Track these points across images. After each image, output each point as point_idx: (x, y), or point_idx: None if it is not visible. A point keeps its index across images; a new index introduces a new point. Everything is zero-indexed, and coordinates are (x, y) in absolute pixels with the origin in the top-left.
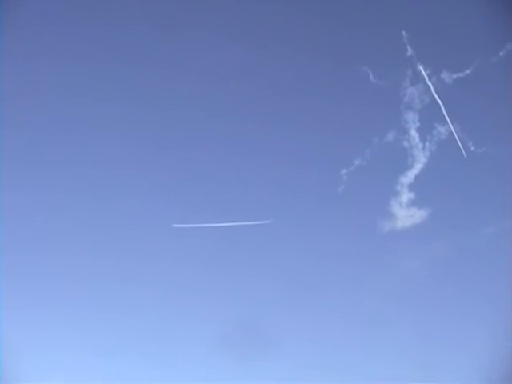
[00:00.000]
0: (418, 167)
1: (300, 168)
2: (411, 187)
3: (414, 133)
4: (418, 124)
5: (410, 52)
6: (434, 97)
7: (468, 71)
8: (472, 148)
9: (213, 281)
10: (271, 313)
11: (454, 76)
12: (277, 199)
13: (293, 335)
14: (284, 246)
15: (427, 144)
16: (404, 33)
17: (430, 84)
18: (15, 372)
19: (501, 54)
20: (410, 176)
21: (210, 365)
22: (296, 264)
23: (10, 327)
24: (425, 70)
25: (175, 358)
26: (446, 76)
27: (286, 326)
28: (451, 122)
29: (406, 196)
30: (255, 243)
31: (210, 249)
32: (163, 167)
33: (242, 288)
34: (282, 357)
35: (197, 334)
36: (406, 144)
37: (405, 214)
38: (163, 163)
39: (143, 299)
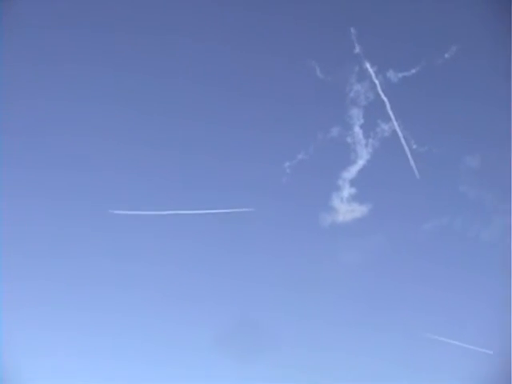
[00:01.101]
0: (360, 163)
1: (244, 160)
2: (353, 182)
3: (357, 129)
4: (362, 120)
5: (357, 49)
6: (378, 94)
7: (414, 71)
8: (414, 146)
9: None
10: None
11: (400, 75)
12: (219, 188)
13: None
14: (222, 237)
15: (370, 140)
16: (352, 30)
17: (376, 81)
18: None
19: (446, 55)
20: (352, 171)
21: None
22: (233, 257)
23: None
24: (371, 68)
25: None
26: (391, 74)
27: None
28: (395, 120)
29: (347, 191)
30: (194, 233)
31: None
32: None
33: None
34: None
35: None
36: (349, 140)
37: (346, 208)
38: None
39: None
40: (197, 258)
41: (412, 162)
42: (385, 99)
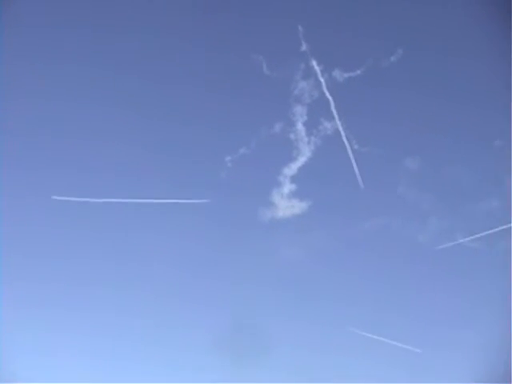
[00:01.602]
0: (301, 160)
1: (186, 151)
2: (294, 179)
3: (300, 126)
4: (305, 118)
5: (304, 47)
6: (323, 93)
7: (359, 72)
8: (356, 146)
9: None
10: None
11: (346, 75)
12: (162, 179)
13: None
14: (167, 228)
15: (313, 138)
16: (300, 27)
17: (321, 80)
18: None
19: (392, 58)
20: (293, 168)
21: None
22: (170, 248)
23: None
24: (317, 66)
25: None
26: (337, 74)
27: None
28: (338, 119)
29: (287, 187)
30: (129, 221)
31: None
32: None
33: None
34: None
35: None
36: (292, 136)
37: (286, 204)
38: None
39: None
40: (128, 247)
41: (353, 162)
42: (329, 98)
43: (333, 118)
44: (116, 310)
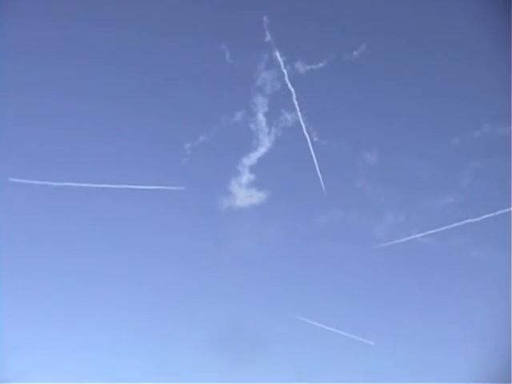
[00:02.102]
0: (261, 150)
1: (146, 137)
2: (253, 169)
3: (261, 117)
4: (266, 108)
5: (268, 38)
6: (285, 84)
7: (321, 65)
8: (315, 139)
9: None
10: None
11: (308, 67)
12: (121, 164)
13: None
14: (123, 214)
15: (273, 129)
16: (265, 18)
17: (284, 71)
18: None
19: (355, 53)
20: (252, 158)
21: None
22: (128, 236)
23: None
24: (281, 57)
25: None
26: (300, 66)
27: None
28: (299, 110)
29: (246, 177)
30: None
31: None
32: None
33: None
34: None
35: None
36: (252, 126)
37: (244, 194)
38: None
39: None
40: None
41: (313, 154)
42: (292, 89)
43: (294, 109)
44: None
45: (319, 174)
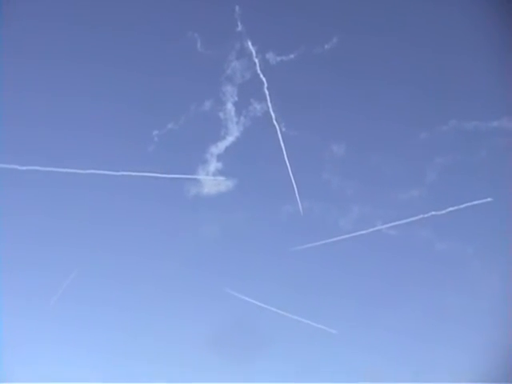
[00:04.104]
0: (229, 139)
1: (114, 124)
2: (220, 157)
3: (230, 106)
4: (235, 98)
5: (240, 27)
6: (255, 74)
7: (292, 56)
8: (284, 129)
9: None
10: None
11: (278, 58)
12: (85, 150)
13: None
14: (87, 201)
15: (242, 118)
16: (237, 8)
17: (256, 61)
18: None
19: (326, 46)
20: (220, 147)
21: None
22: (94, 222)
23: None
24: (252, 47)
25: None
26: (270, 57)
27: None
28: (269, 101)
29: (213, 165)
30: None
31: None
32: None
33: None
34: None
35: None
36: (221, 115)
37: (211, 182)
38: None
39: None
40: None
41: (282, 144)
42: (263, 79)
43: (263, 99)
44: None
45: (288, 164)
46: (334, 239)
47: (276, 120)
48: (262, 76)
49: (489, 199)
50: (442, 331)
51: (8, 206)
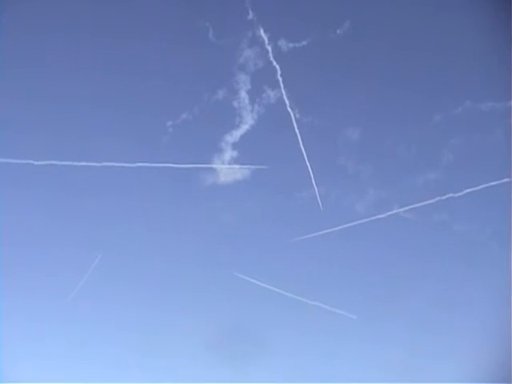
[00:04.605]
0: (244, 128)
1: (128, 115)
2: (235, 146)
3: (244, 94)
4: (249, 86)
5: (251, 16)
6: (267, 62)
7: (304, 42)
8: (298, 116)
9: None
10: None
11: (291, 45)
12: (100, 142)
13: None
14: (102, 194)
15: (256, 106)
16: None
17: (268, 48)
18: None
19: (338, 31)
20: (235, 135)
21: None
22: (115, 211)
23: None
24: (264, 35)
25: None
26: (283, 44)
27: None
28: (283, 88)
29: (229, 154)
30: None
31: None
32: None
33: None
34: None
35: None
36: (235, 104)
37: (227, 170)
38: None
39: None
40: None
41: (297, 131)
42: (276, 67)
43: (276, 86)
44: None
45: (303, 150)
46: (352, 224)
47: (290, 107)
48: (274, 63)
49: (506, 180)
50: (461, 315)
51: (24, 202)
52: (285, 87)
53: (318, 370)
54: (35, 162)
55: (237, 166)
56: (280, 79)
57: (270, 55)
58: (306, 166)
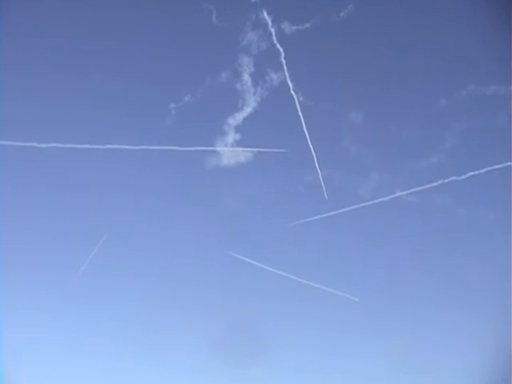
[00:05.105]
0: (247, 110)
1: (131, 98)
2: (238, 129)
3: (247, 77)
4: (252, 69)
5: None
6: (271, 44)
7: (308, 25)
8: (301, 99)
9: None
10: None
11: (294, 28)
12: (103, 125)
13: None
14: (106, 177)
15: (259, 89)
16: None
17: (272, 30)
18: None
19: (342, 14)
20: (238, 118)
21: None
22: (116, 195)
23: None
24: (268, 17)
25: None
26: (286, 26)
27: None
28: (286, 71)
29: (232, 136)
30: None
31: None
32: None
33: None
34: None
35: None
36: (238, 87)
37: (230, 153)
38: None
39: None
40: None
41: (300, 114)
42: (280, 49)
43: (280, 69)
44: None
45: (306, 133)
46: (354, 207)
47: (293, 90)
48: (278, 46)
49: (509, 163)
50: (462, 298)
51: (27, 185)
52: (288, 70)
53: (317, 352)
54: (38, 145)
55: (240, 149)
56: (283, 62)
57: (274, 38)
58: (310, 149)
